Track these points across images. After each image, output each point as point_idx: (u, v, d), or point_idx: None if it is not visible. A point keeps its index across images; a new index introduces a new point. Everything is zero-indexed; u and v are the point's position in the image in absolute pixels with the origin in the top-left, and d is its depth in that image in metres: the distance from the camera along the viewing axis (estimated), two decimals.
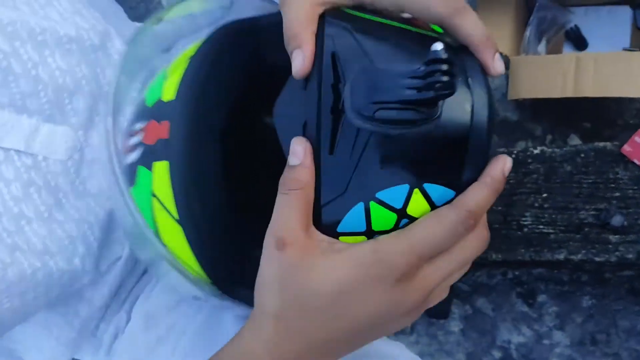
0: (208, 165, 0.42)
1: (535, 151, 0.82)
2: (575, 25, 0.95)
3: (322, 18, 0.38)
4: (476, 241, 0.35)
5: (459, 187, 0.35)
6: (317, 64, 0.36)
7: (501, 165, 0.35)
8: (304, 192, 0.35)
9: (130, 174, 0.43)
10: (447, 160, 0.36)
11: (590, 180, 0.79)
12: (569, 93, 0.82)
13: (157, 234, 0.42)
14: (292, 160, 0.35)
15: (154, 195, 0.42)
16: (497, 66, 0.35)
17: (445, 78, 0.31)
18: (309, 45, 0.37)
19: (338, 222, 0.36)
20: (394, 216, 0.35)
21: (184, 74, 0.42)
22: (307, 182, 0.35)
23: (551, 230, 0.80)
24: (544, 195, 0.81)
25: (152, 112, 0.43)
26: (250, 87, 0.44)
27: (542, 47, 0.94)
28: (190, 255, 0.42)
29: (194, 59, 0.42)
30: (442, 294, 0.37)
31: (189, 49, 0.44)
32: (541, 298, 0.94)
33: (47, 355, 0.74)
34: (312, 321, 0.35)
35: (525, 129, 0.99)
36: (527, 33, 0.91)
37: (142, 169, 0.43)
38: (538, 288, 0.94)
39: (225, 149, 0.42)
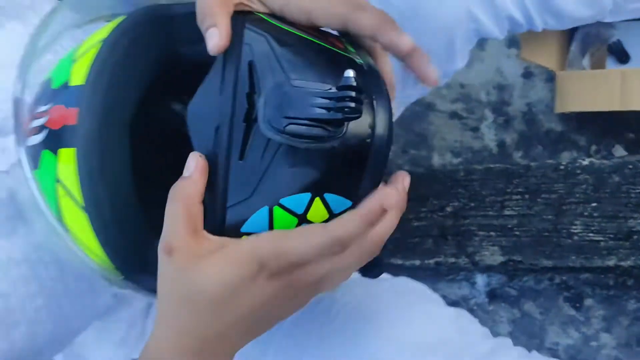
0: (116, 155, 0.41)
1: (584, 162, 0.86)
2: (618, 40, 0.99)
3: (243, 26, 0.39)
4: (348, 260, 0.38)
5: (357, 198, 0.38)
6: (233, 72, 0.38)
7: (380, 197, 0.38)
8: (189, 203, 0.38)
9: (34, 156, 0.43)
10: (347, 174, 0.38)
11: (638, 190, 0.83)
12: (616, 107, 0.86)
13: (60, 219, 0.43)
14: (185, 172, 0.38)
15: (59, 181, 0.42)
16: (403, 43, 0.39)
17: (353, 104, 0.35)
18: (223, 24, 0.38)
19: (242, 223, 0.38)
20: (294, 220, 0.38)
21: (95, 58, 0.40)
22: (192, 194, 0.38)
23: (601, 238, 0.84)
24: (593, 204, 0.85)
25: (58, 95, 0.43)
26: (163, 77, 0.44)
27: (586, 61, 0.97)
28: (95, 242, 0.42)
29: (106, 43, 0.41)
30: (328, 287, 0.40)
31: (100, 29, 0.42)
32: (588, 302, 0.98)
33: (108, 356, 0.79)
34: (203, 319, 0.38)
35: (570, 140, 1.03)
36: (572, 48, 0.95)
37: (46, 153, 0.42)
38: (585, 292, 0.98)
39: (134, 140, 0.42)
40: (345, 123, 0.36)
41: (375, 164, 0.38)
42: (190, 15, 0.41)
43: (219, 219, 0.39)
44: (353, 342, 0.58)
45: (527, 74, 1.07)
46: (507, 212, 0.90)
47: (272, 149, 0.37)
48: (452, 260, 0.94)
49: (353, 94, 0.34)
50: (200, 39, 0.39)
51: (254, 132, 0.37)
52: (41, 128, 0.43)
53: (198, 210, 0.38)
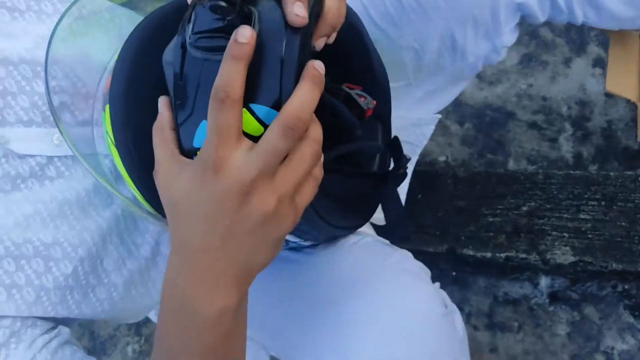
0: (133, 102, 0.51)
1: None
2: None
3: None
4: (308, 150, 0.42)
5: (280, 107, 0.41)
6: (182, 22, 0.44)
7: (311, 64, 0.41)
8: (163, 132, 0.46)
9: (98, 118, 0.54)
10: (266, 83, 0.41)
11: None
12: None
13: (114, 163, 0.53)
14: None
15: (107, 133, 0.53)
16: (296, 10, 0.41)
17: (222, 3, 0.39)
18: None
19: (192, 138, 0.43)
20: None
21: (127, 39, 0.52)
22: (162, 125, 0.46)
23: None
24: None
25: (109, 69, 0.55)
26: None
27: None
28: (127, 175, 0.52)
29: (135, 30, 0.52)
30: (304, 198, 0.44)
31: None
32: None
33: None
34: (186, 227, 0.45)
35: None
36: None
37: (104, 113, 0.53)
38: None
39: (146, 91, 0.50)
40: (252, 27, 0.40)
41: (288, 72, 0.41)
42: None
43: (178, 139, 0.45)
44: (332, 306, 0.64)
45: (610, 94, 1.13)
46: (582, 216, 0.97)
47: (198, 66, 0.42)
48: (523, 256, 1.01)
49: None
50: None
51: (188, 56, 0.43)
52: (104, 95, 0.54)
53: (170, 136, 0.45)
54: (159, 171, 0.46)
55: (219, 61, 0.39)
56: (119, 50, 0.53)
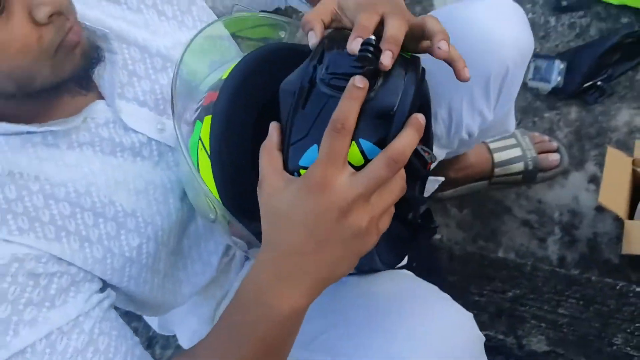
0: (233, 119, 0.60)
1: (637, 289, 1.02)
2: None
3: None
4: (398, 184, 0.51)
5: (384, 146, 0.49)
6: (313, 59, 0.53)
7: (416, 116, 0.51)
8: (270, 151, 0.54)
9: (192, 127, 0.64)
10: (378, 124, 0.50)
11: None
12: None
13: (196, 167, 0.62)
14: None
15: (200, 139, 0.62)
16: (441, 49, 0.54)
17: (369, 54, 0.48)
18: (318, 28, 0.56)
19: (300, 157, 0.51)
20: None
21: (237, 64, 0.62)
22: (270, 145, 0.54)
23: (635, 354, 0.99)
24: (637, 324, 1.00)
25: (213, 86, 0.64)
26: (273, 81, 0.59)
27: None
28: (212, 182, 0.61)
29: (245, 58, 0.63)
30: (384, 224, 0.52)
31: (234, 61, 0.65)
32: None
33: (192, 330, 0.94)
34: (282, 233, 0.53)
35: (624, 273, 1.19)
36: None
37: (198, 122, 0.63)
38: None
39: (248, 112, 0.60)
40: (378, 81, 0.50)
41: (399, 120, 0.50)
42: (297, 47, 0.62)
43: (285, 155, 0.53)
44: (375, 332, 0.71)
45: (600, 209, 1.25)
46: (560, 311, 1.06)
47: (323, 100, 0.51)
48: (501, 337, 1.09)
49: (370, 47, 0.49)
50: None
51: (315, 91, 0.52)
52: (198, 108, 0.65)
53: (277, 156, 0.54)
54: (264, 184, 0.54)
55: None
56: (227, 72, 0.62)
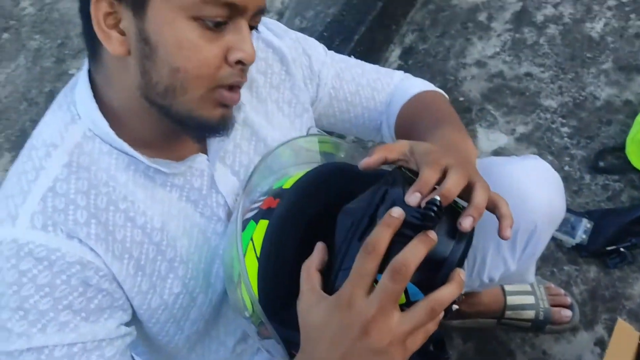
0: (289, 229, 0.66)
1: None
2: None
3: (394, 171, 0.62)
4: (433, 326, 0.56)
5: (428, 291, 0.55)
6: (376, 193, 0.59)
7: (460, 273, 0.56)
8: (310, 271, 0.60)
9: (245, 223, 0.70)
10: (425, 269, 0.54)
11: None
12: None
13: (243, 261, 0.67)
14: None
15: (251, 239, 0.67)
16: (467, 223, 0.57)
17: (432, 213, 0.53)
18: (375, 157, 0.63)
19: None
20: None
21: (300, 179, 0.68)
22: (311, 265, 0.60)
23: None
24: None
25: (273, 192, 0.71)
26: (329, 202, 0.66)
27: None
28: (256, 283, 0.65)
29: (307, 175, 0.69)
30: (415, 344, 0.56)
31: (302, 172, 0.71)
32: None
33: None
34: (312, 345, 0.58)
35: None
36: None
37: (252, 222, 0.68)
38: None
39: (302, 226, 0.66)
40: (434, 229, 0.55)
41: (447, 270, 0.56)
42: (359, 173, 0.67)
43: (334, 277, 0.58)
44: None
45: None
46: None
47: None
48: None
49: (435, 208, 0.55)
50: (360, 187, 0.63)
51: (373, 228, 0.56)
52: (255, 209, 0.71)
53: (315, 275, 0.59)
54: (302, 299, 0.59)
55: (399, 245, 0.54)
56: (288, 182, 0.69)
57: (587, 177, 1.53)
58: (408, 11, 2.10)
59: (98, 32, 0.64)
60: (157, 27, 0.63)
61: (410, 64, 1.95)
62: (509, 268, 0.97)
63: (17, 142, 2.07)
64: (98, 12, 0.64)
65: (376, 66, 1.01)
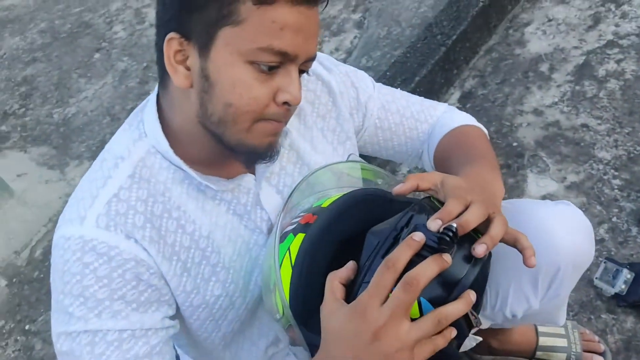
0: (323, 243, 0.73)
1: None
2: None
3: (422, 200, 0.70)
4: (442, 339, 0.63)
5: (438, 306, 0.62)
6: (402, 217, 0.67)
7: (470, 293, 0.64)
8: (333, 282, 0.68)
9: (284, 236, 0.78)
10: (439, 288, 0.62)
11: None
12: None
13: (278, 269, 0.74)
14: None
15: (289, 250, 0.74)
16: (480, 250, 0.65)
17: (448, 238, 0.60)
18: (408, 185, 0.71)
19: None
20: None
21: (337, 199, 0.77)
22: (334, 278, 0.68)
23: None
24: None
25: (312, 210, 0.78)
26: (361, 222, 0.73)
27: None
28: (288, 289, 0.72)
29: (344, 198, 0.78)
30: (422, 354, 0.63)
31: (340, 194, 0.80)
32: None
33: None
34: (331, 345, 0.66)
35: None
36: None
37: (291, 235, 0.76)
38: None
39: (334, 242, 0.74)
40: (452, 252, 0.62)
41: (459, 290, 0.63)
42: (387, 195, 0.77)
43: (356, 289, 0.65)
44: None
45: None
46: None
47: None
48: None
49: (450, 234, 0.62)
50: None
51: (396, 245, 0.65)
52: (294, 223, 0.79)
53: (338, 286, 0.67)
54: (324, 305, 0.67)
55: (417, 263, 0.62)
56: (327, 201, 0.78)
57: (634, 230, 1.53)
58: (471, 58, 2.17)
59: (167, 66, 0.75)
60: (217, 67, 0.73)
61: (468, 107, 2.01)
62: (531, 306, 1.00)
63: (97, 153, 2.24)
64: (169, 49, 0.74)
65: (421, 98, 1.09)
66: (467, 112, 1.94)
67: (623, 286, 1.39)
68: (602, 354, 1.32)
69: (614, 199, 1.61)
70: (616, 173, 1.67)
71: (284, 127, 0.80)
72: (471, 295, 0.64)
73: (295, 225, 0.78)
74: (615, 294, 1.40)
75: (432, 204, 0.71)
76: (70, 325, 0.76)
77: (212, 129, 0.77)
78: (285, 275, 0.74)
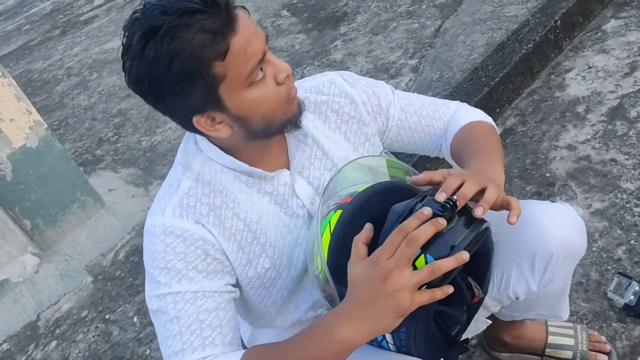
0: (356, 217, 0.93)
1: None
2: None
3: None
4: (440, 293, 0.83)
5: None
6: (417, 198, 0.89)
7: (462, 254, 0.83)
8: (357, 243, 0.89)
9: (326, 214, 0.99)
10: (442, 250, 0.82)
11: None
12: None
13: (321, 236, 0.95)
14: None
15: (329, 222, 0.95)
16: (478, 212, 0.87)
17: (449, 206, 0.83)
18: (420, 177, 0.93)
19: None
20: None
21: (370, 187, 0.97)
22: (358, 239, 0.90)
23: None
24: None
25: (350, 194, 0.99)
26: (387, 205, 0.93)
27: None
28: (326, 251, 0.93)
29: (374, 186, 0.98)
30: (420, 299, 0.83)
31: (373, 183, 1.00)
32: None
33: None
34: (357, 294, 0.85)
35: None
36: None
37: (331, 212, 0.97)
38: None
39: (364, 218, 0.92)
40: (452, 222, 0.85)
41: (459, 246, 0.82)
42: (410, 188, 1.00)
43: (378, 246, 0.85)
44: None
45: None
46: None
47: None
48: None
49: (450, 202, 0.83)
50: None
51: (411, 215, 0.86)
52: (336, 203, 1.00)
53: (361, 246, 0.88)
54: (350, 261, 0.88)
55: None
56: (362, 188, 1.00)
57: None
58: (514, 99, 2.38)
59: (209, 134, 0.99)
60: (237, 106, 0.94)
61: (507, 141, 2.21)
62: (530, 287, 1.17)
63: None
64: (201, 126, 0.96)
65: (435, 99, 1.30)
66: (506, 145, 2.14)
67: (632, 297, 1.53)
68: (608, 354, 1.45)
69: (633, 224, 1.76)
70: (638, 202, 1.81)
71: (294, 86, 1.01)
72: (463, 255, 0.83)
73: (336, 205, 1.01)
74: (625, 304, 1.54)
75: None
76: (158, 290, 0.99)
77: (261, 135, 1.01)
78: (325, 241, 0.96)
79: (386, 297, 0.83)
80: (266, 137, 1.02)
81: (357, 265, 0.87)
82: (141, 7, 0.90)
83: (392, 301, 0.83)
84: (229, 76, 0.90)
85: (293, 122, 1.02)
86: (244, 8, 0.94)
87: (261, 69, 0.93)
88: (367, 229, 0.91)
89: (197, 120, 0.95)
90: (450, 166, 1.24)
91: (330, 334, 0.86)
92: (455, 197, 0.86)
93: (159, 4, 0.87)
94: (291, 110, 1.00)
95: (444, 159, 1.30)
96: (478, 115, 1.26)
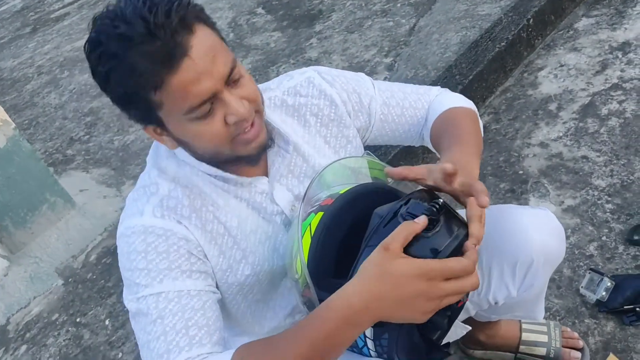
0: (337, 220, 0.91)
1: None
2: None
3: (414, 191, 0.89)
4: (471, 280, 0.77)
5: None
6: (401, 200, 0.84)
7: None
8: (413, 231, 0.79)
9: (307, 216, 0.96)
10: (428, 253, 0.78)
11: None
12: None
13: (301, 239, 0.92)
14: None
15: (309, 225, 0.92)
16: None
17: (434, 209, 0.79)
18: (396, 172, 0.88)
19: (369, 254, 0.80)
20: None
21: (352, 188, 0.95)
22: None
23: None
24: None
25: (331, 196, 0.96)
26: (368, 207, 0.89)
27: None
28: (307, 254, 0.89)
29: (356, 188, 0.96)
30: (451, 300, 0.78)
31: (355, 184, 0.97)
32: None
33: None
34: (381, 286, 0.76)
35: None
36: None
37: (312, 214, 0.94)
38: None
39: (345, 220, 0.91)
40: (437, 226, 0.80)
41: (442, 255, 0.79)
42: (392, 190, 0.97)
43: (361, 252, 0.82)
44: None
45: None
46: None
47: (397, 225, 0.80)
48: None
49: (437, 205, 0.80)
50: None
51: (394, 220, 0.82)
52: (316, 205, 0.98)
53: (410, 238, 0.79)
54: (394, 251, 0.79)
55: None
56: (343, 190, 0.98)
57: (621, 248, 1.69)
58: (487, 97, 2.39)
59: (157, 141, 0.98)
60: (179, 132, 0.92)
61: None
62: (510, 293, 1.17)
63: None
64: (149, 133, 0.96)
65: (416, 86, 1.26)
66: None
67: (604, 293, 1.54)
68: (580, 350, 1.47)
69: (605, 220, 1.77)
70: (609, 198, 1.83)
71: (261, 125, 0.96)
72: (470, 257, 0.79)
73: (316, 207, 0.98)
74: (597, 300, 1.55)
75: (424, 192, 0.91)
76: (138, 293, 0.93)
77: (211, 161, 1.00)
78: (306, 244, 0.94)
79: (412, 310, 0.78)
80: (217, 161, 1.00)
81: (404, 262, 0.78)
82: (105, 10, 0.88)
83: (415, 315, 0.79)
84: (167, 107, 0.88)
85: (248, 159, 0.99)
86: (214, 27, 0.91)
87: (212, 104, 0.89)
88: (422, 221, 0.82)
89: (146, 128, 0.95)
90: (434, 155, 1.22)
91: (343, 299, 0.80)
92: (441, 200, 0.84)
93: (112, 17, 0.85)
94: (245, 150, 0.96)
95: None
96: (458, 100, 1.21)
